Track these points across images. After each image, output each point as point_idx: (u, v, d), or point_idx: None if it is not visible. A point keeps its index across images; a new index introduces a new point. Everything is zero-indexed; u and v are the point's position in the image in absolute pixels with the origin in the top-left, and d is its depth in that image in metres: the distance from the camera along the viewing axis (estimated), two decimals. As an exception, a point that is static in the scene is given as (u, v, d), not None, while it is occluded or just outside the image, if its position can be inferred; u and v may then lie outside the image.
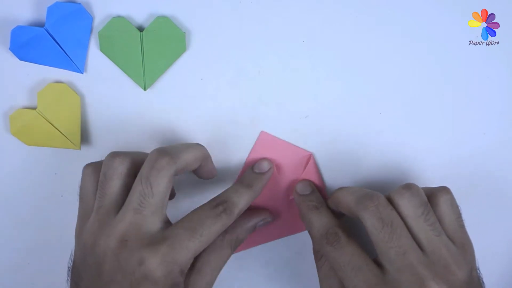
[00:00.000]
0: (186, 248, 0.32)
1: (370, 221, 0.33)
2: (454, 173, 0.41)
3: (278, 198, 0.40)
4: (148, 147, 0.40)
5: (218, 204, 0.35)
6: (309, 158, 0.40)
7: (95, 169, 0.35)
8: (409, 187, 0.34)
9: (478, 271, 0.34)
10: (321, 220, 0.36)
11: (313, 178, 0.40)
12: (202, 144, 0.36)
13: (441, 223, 0.34)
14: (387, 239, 0.32)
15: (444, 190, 0.35)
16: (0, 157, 0.41)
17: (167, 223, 0.34)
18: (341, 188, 0.37)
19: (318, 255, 0.37)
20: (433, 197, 0.34)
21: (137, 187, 0.33)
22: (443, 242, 0.33)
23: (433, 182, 0.40)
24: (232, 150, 0.40)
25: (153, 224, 0.32)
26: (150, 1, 0.37)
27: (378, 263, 0.33)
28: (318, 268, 0.37)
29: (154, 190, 0.32)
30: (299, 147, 0.40)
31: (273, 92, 0.39)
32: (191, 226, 0.33)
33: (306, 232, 0.41)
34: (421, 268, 0.31)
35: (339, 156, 0.40)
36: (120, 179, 0.34)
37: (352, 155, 0.40)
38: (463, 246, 0.34)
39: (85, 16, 0.37)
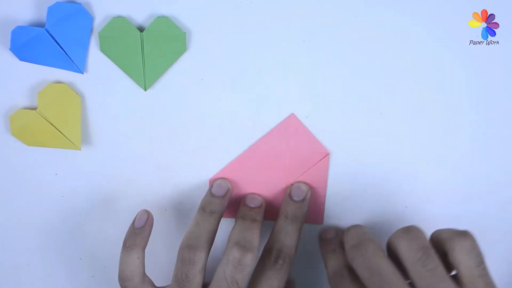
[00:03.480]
0: None
1: (359, 271, 0.34)
2: (454, 173, 0.41)
3: (277, 183, 0.40)
4: (148, 148, 0.40)
5: (277, 257, 0.36)
6: (325, 156, 0.40)
7: None
8: (408, 230, 0.33)
9: None
10: (334, 261, 0.38)
11: (319, 176, 0.40)
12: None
13: (457, 271, 0.32)
14: None
15: (463, 235, 0.33)
16: (0, 157, 0.41)
17: None
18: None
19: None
20: (450, 241, 0.33)
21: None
22: None
23: (432, 181, 0.41)
24: (232, 150, 0.40)
25: None
26: (150, 1, 0.37)
27: None
28: None
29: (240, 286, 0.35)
30: (320, 143, 0.40)
31: (273, 92, 0.39)
32: None
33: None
34: None
35: (339, 156, 0.40)
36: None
37: (352, 155, 0.40)
38: None
39: (86, 16, 0.37)
